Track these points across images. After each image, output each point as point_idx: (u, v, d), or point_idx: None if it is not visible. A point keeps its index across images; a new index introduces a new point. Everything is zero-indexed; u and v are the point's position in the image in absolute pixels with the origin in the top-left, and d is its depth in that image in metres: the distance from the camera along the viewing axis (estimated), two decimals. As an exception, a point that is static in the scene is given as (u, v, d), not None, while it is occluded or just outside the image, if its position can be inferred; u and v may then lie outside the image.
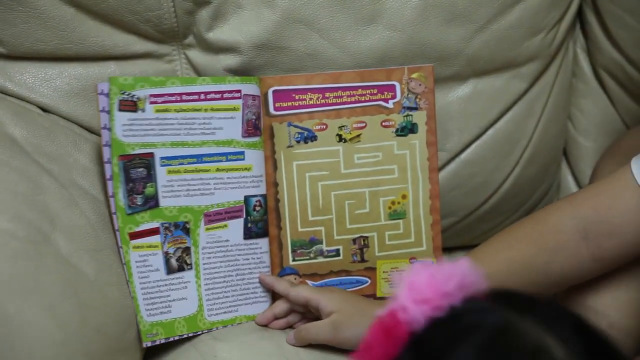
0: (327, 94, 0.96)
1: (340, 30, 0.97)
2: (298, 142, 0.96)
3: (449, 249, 1.02)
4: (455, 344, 0.49)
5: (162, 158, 0.91)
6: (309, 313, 0.93)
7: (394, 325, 0.51)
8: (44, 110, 0.96)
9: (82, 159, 0.93)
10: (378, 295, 1.00)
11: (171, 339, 0.91)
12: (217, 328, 0.93)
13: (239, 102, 0.94)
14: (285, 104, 0.96)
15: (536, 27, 1.04)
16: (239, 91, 0.94)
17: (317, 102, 0.96)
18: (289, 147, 0.96)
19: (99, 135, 0.97)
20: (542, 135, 1.11)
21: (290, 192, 0.97)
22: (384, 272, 0.99)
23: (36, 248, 0.79)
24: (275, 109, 0.96)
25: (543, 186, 1.16)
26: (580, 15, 1.11)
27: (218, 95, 0.93)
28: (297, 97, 0.96)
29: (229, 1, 0.96)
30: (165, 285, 0.90)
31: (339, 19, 0.97)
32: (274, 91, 0.96)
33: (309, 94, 0.96)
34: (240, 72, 0.97)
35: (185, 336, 0.92)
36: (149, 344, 0.89)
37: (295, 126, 0.96)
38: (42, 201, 0.84)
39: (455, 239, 1.11)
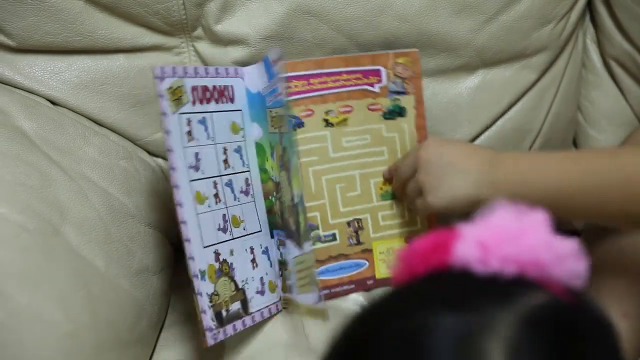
0: (311, 80, 0.96)
1: (349, 21, 0.97)
2: None
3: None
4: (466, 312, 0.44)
5: None
6: None
7: (442, 246, 0.46)
8: (53, 103, 0.97)
9: (91, 151, 0.93)
10: (377, 277, 0.99)
11: None
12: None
13: None
14: None
15: (545, 18, 1.04)
16: None
17: (302, 89, 0.96)
18: None
19: (107, 128, 0.98)
20: (551, 126, 1.10)
21: None
22: (380, 252, 0.99)
23: (46, 240, 0.79)
24: None
25: (553, 178, 1.15)
26: (590, 5, 1.11)
27: None
28: None
29: (237, -7, 0.97)
30: None
31: (348, 10, 0.97)
32: None
33: (293, 81, 0.95)
34: (249, 64, 0.97)
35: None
36: None
37: None
38: (51, 194, 0.84)
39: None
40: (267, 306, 0.92)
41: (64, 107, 0.97)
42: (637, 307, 0.88)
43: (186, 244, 0.82)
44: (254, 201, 0.93)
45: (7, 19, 0.93)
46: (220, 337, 0.84)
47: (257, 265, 0.92)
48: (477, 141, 1.07)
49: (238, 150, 0.92)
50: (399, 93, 0.97)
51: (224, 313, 0.86)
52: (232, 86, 0.92)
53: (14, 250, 0.76)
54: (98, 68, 0.97)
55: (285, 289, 0.94)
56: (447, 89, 1.03)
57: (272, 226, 0.94)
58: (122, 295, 0.85)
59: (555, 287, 0.45)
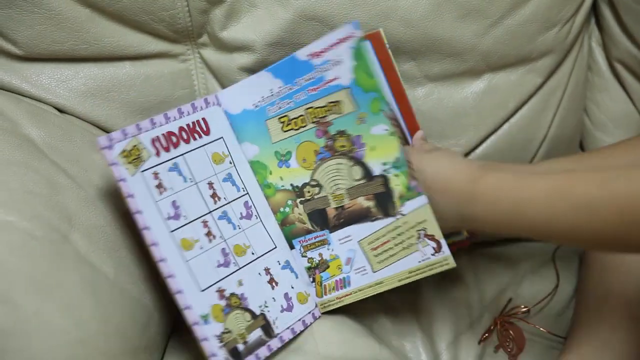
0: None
1: (354, 26, 0.97)
2: None
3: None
4: None
5: None
6: None
7: None
8: (60, 110, 0.97)
9: (98, 159, 0.93)
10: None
11: None
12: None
13: None
14: None
15: (550, 21, 1.04)
16: None
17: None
18: None
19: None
20: (558, 129, 1.10)
21: None
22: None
23: (55, 247, 0.80)
24: None
25: (559, 181, 1.15)
26: (595, 8, 1.11)
27: None
28: None
29: (243, 0, 0.97)
30: None
31: (352, 15, 0.97)
32: None
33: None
34: (255, 70, 0.97)
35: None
36: None
37: None
38: (59, 201, 0.84)
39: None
40: (299, 319, 0.92)
41: (71, 114, 0.97)
42: None
43: (178, 296, 0.83)
44: (260, 221, 0.93)
45: (13, 27, 0.94)
46: None
47: (277, 284, 0.92)
48: (483, 145, 1.07)
49: (228, 178, 0.92)
50: None
51: (240, 347, 0.86)
52: (204, 118, 0.91)
53: (22, 257, 0.76)
54: (104, 76, 0.98)
55: (321, 292, 0.94)
56: (453, 94, 1.03)
57: (291, 237, 0.95)
58: (131, 301, 0.86)
59: None
